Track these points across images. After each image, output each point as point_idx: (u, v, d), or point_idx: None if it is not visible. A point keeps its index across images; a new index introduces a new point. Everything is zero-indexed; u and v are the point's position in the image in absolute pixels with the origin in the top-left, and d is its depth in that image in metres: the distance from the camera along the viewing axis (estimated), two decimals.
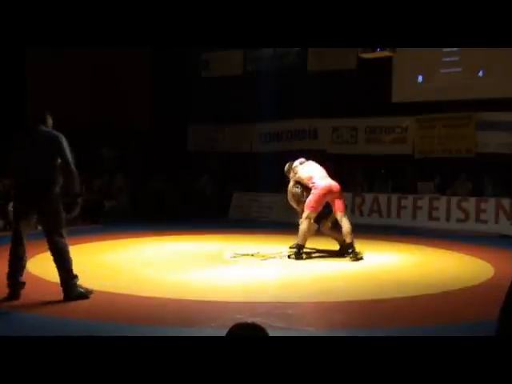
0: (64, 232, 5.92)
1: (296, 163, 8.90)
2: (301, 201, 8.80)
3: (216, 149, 16.40)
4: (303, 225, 8.35)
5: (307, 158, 9.06)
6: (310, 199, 8.43)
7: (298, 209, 8.89)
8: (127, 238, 10.70)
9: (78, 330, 4.68)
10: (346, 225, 8.45)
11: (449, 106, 13.31)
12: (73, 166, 5.85)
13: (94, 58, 15.63)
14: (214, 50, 15.63)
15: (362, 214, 13.39)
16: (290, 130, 15.68)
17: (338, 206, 8.57)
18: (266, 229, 12.27)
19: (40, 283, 6.62)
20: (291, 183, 8.92)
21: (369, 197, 13.46)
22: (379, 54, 10.82)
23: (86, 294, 5.83)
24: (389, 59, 13.05)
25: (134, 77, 16.59)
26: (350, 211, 13.44)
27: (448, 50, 13.29)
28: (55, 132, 5.94)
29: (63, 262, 5.87)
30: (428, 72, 13.96)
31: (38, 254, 8.45)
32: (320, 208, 8.48)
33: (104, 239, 10.50)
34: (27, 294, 6.00)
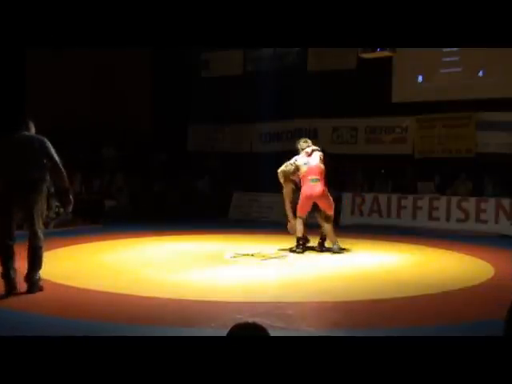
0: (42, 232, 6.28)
1: (309, 149, 9.06)
2: (287, 178, 9.07)
3: (216, 149, 16.40)
4: (296, 224, 8.96)
5: (317, 150, 9.22)
6: (299, 202, 8.98)
7: (283, 185, 9.18)
8: (127, 238, 10.70)
9: (78, 330, 4.68)
10: (326, 227, 9.02)
11: (449, 106, 13.30)
12: (61, 165, 6.19)
13: (94, 58, 15.62)
14: (214, 49, 15.61)
15: (362, 213, 13.39)
16: (290, 130, 15.66)
17: (323, 208, 8.99)
18: (266, 229, 12.27)
19: None
20: (291, 161, 9.09)
21: (369, 197, 13.45)
22: (379, 53, 10.82)
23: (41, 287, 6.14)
24: (389, 59, 13.04)
25: (134, 77, 16.58)
26: (350, 211, 13.50)
27: (448, 50, 13.28)
28: (39, 136, 6.27)
29: (37, 260, 6.14)
30: (428, 72, 13.95)
31: None
32: (307, 210, 8.98)
33: (104, 239, 10.49)
34: (28, 294, 6.01)
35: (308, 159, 8.97)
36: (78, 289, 6.32)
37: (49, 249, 8.96)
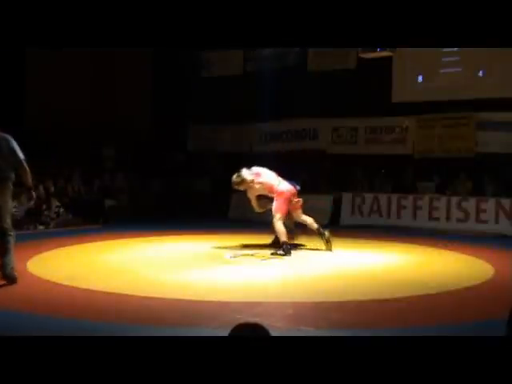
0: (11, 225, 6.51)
1: (249, 177, 9.11)
2: (265, 203, 9.26)
3: (216, 149, 16.40)
4: (278, 226, 8.79)
5: (250, 165, 9.43)
6: (279, 203, 8.91)
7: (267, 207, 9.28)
8: (127, 237, 10.70)
9: (79, 330, 4.68)
10: (308, 218, 9.26)
11: (449, 106, 13.30)
12: (25, 164, 6.41)
13: (93, 58, 15.63)
14: (214, 49, 15.61)
15: (362, 213, 13.39)
16: (290, 130, 15.67)
17: (296, 206, 9.17)
18: (266, 229, 12.24)
19: (40, 283, 6.62)
20: (253, 200, 9.26)
21: (369, 197, 13.46)
22: (379, 53, 10.83)
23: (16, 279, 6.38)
24: (389, 59, 13.04)
25: (134, 77, 16.59)
26: (350, 211, 13.52)
27: (448, 50, 13.28)
28: (4, 134, 6.42)
29: (7, 254, 6.35)
30: (428, 72, 13.95)
31: (37, 254, 8.46)
32: (288, 209, 9.03)
33: (104, 239, 10.49)
34: (28, 294, 6.01)
35: (261, 173, 9.18)
36: (78, 289, 6.32)
37: (49, 249, 9.01)
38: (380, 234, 11.51)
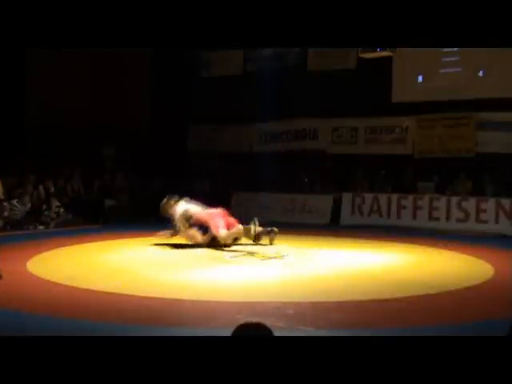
0: None
1: (181, 207, 9.57)
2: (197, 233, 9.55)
3: (216, 149, 16.39)
4: (226, 235, 9.23)
5: (180, 196, 9.85)
6: (214, 222, 9.32)
7: (202, 240, 9.52)
8: (127, 237, 10.70)
9: (79, 330, 4.68)
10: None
11: (449, 106, 13.30)
12: None
13: (93, 58, 15.63)
14: (214, 49, 15.61)
15: (362, 213, 13.39)
16: (290, 130, 15.66)
17: (233, 224, 9.48)
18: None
19: (40, 283, 6.62)
20: (182, 226, 9.48)
21: (369, 197, 13.46)
22: (379, 53, 10.83)
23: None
24: (389, 59, 13.04)
25: (134, 77, 16.59)
26: (350, 211, 13.52)
27: (448, 50, 13.28)
28: None
29: None
30: (428, 72, 13.95)
31: (37, 254, 8.47)
32: (224, 222, 9.37)
33: (104, 239, 10.49)
34: (28, 294, 6.01)
35: (189, 207, 9.59)
36: (78, 289, 6.32)
37: (49, 249, 9.01)
38: (380, 233, 11.51)
